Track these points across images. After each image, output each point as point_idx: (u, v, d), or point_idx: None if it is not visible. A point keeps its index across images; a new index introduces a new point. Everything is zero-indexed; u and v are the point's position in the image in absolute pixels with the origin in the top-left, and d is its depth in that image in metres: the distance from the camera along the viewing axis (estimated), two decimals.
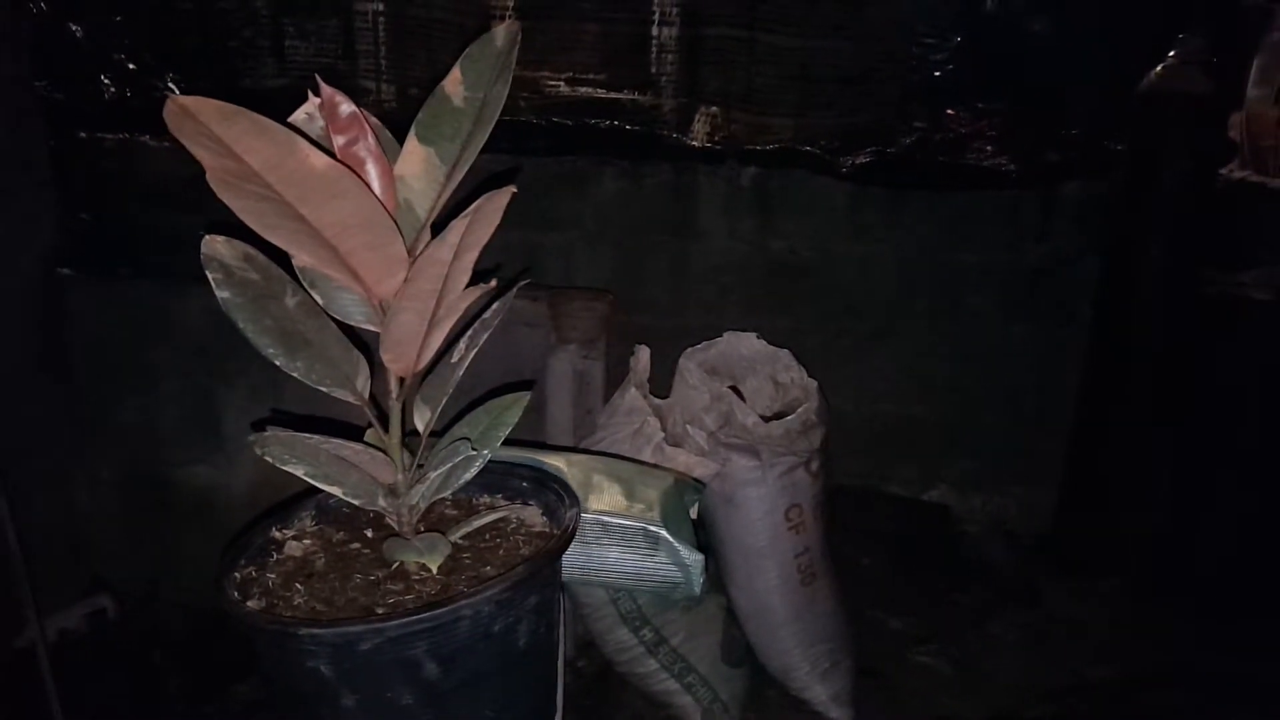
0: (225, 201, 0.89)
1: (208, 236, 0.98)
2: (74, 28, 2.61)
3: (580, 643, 2.11)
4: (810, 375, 2.13)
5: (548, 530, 1.10)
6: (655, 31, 2.45)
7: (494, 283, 1.00)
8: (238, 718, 2.08)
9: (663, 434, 1.98)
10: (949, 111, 2.37)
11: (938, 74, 2.33)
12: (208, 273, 0.98)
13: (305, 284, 1.00)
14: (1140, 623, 2.22)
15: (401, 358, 0.97)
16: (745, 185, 2.59)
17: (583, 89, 2.48)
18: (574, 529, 1.03)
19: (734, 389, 2.14)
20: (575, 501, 1.09)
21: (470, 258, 0.94)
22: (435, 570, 0.99)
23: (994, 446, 2.61)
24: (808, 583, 2.07)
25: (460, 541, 1.06)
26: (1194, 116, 2.05)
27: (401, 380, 1.02)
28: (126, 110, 2.62)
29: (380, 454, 1.00)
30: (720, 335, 2.23)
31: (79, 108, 2.53)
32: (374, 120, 0.96)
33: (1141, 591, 2.29)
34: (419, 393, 1.04)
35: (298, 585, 1.01)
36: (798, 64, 2.41)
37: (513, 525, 1.11)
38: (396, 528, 1.06)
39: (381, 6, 2.71)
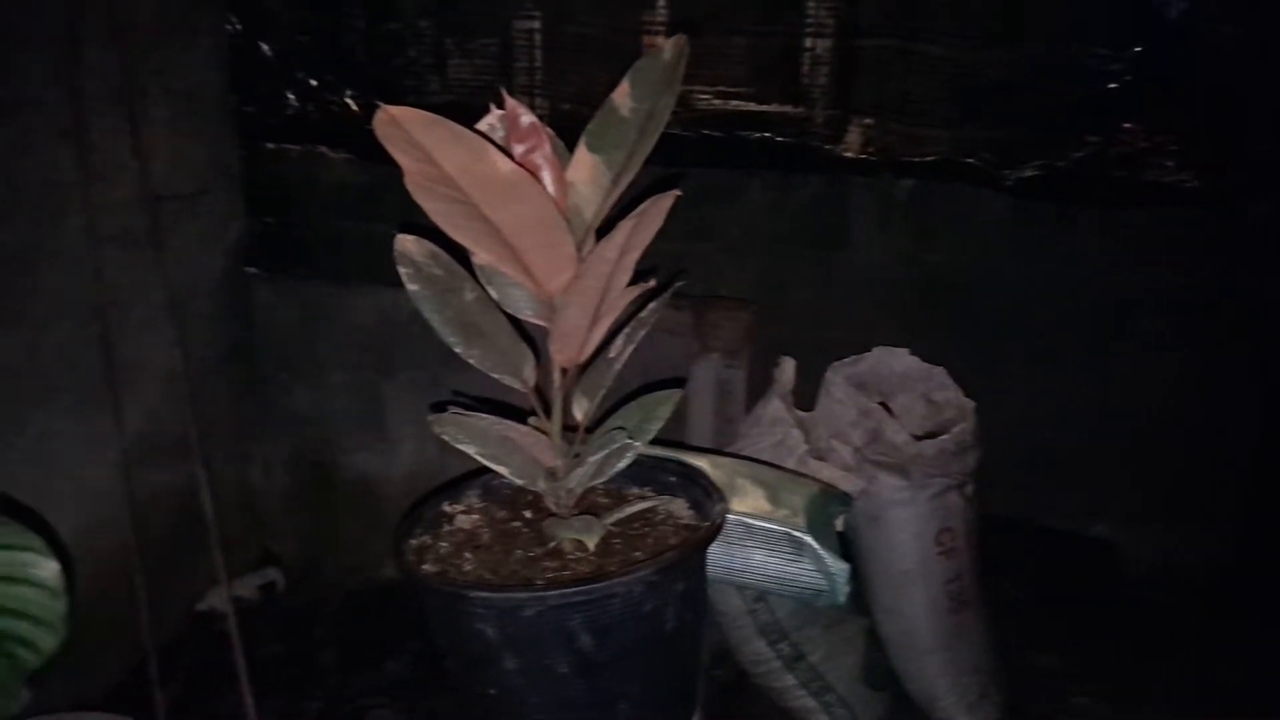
0: (420, 203, 1.02)
1: (399, 235, 1.11)
2: (264, 46, 2.91)
3: (716, 651, 2.18)
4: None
5: (694, 523, 1.18)
6: (808, 44, 2.51)
7: (652, 282, 1.09)
8: (387, 693, 2.25)
9: (806, 447, 2.03)
10: (1125, 125, 2.32)
11: (1113, 85, 2.29)
12: (399, 268, 1.12)
13: (482, 280, 1.12)
14: None
15: (566, 350, 1.08)
16: (900, 198, 2.61)
17: (733, 102, 2.57)
18: (721, 522, 1.11)
19: (883, 405, 2.16)
20: (722, 497, 1.17)
21: (633, 258, 1.04)
22: (591, 549, 1.09)
23: (1163, 480, 2.51)
24: (957, 610, 2.06)
25: (612, 527, 1.16)
26: None
27: (564, 371, 1.12)
28: (307, 123, 2.89)
29: (543, 438, 1.11)
30: (868, 350, 2.25)
31: (266, 120, 2.81)
32: (549, 130, 1.07)
33: None
34: (578, 385, 1.15)
35: (467, 555, 1.13)
36: (957, 74, 2.41)
37: (660, 516, 1.20)
38: (554, 509, 1.17)
39: (539, 25, 2.88)
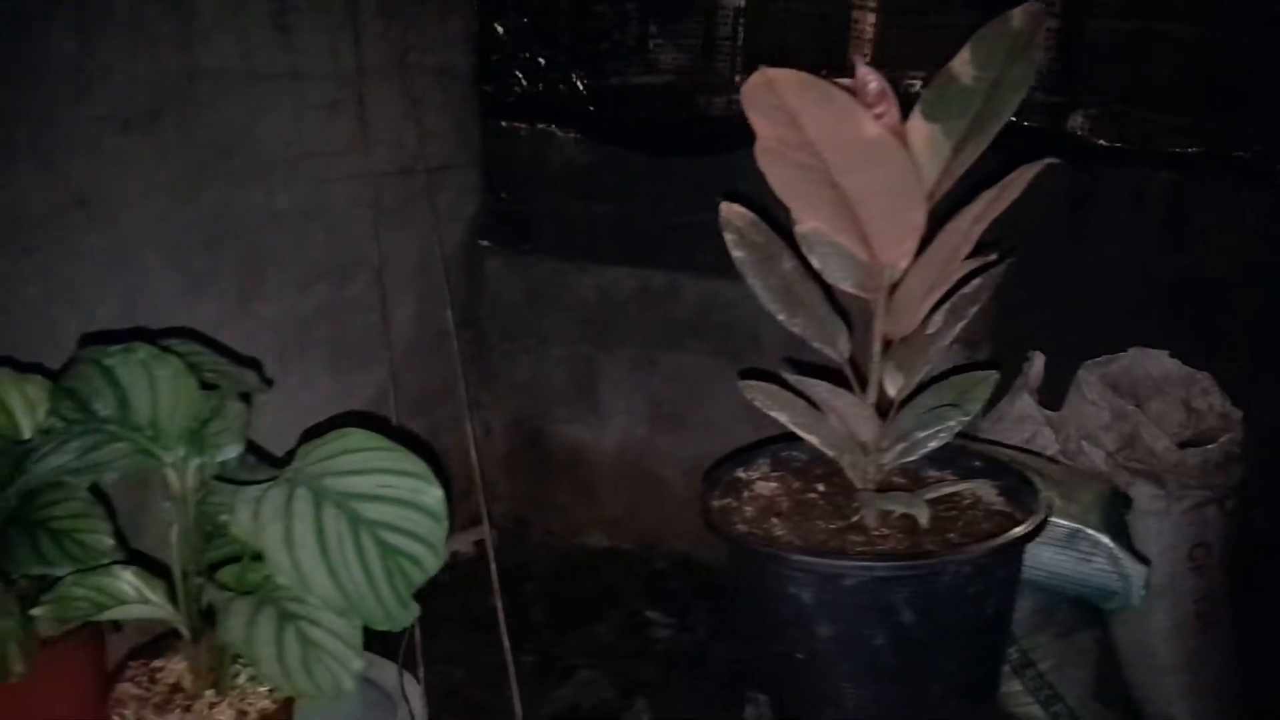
0: (763, 168, 1.02)
1: (724, 203, 1.13)
2: (498, 28, 3.01)
3: None
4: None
5: (1007, 510, 1.14)
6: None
7: (994, 256, 1.06)
8: (594, 655, 2.29)
9: (1058, 447, 1.94)
10: None
11: None
12: (725, 234, 1.13)
13: (804, 248, 1.12)
14: None
15: (900, 322, 1.07)
16: (1155, 191, 2.45)
17: None
18: (1049, 513, 1.07)
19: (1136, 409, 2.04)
20: (1041, 488, 1.12)
21: (980, 230, 1.01)
22: (924, 524, 1.07)
23: None
24: (1204, 631, 1.94)
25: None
26: None
27: (887, 344, 1.11)
28: (537, 103, 2.98)
29: (863, 409, 1.10)
30: (1117, 351, 2.13)
31: (500, 99, 2.91)
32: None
33: None
34: (892, 359, 1.13)
35: (773, 520, 1.13)
36: (1221, 60, 2.25)
37: (968, 500, 1.16)
38: (858, 483, 1.16)
39: (743, 3, 2.87)
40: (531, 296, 2.79)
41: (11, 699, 0.89)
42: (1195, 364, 2.10)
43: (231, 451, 0.94)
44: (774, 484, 1.22)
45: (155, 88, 1.78)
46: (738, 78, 3.01)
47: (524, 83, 3.11)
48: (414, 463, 0.93)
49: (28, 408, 0.95)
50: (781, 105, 0.93)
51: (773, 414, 1.12)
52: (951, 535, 1.09)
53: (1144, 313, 2.44)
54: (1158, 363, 2.10)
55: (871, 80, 1.02)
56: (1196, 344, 2.30)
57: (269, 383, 1.67)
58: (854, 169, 0.97)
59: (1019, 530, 1.03)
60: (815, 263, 1.12)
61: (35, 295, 1.64)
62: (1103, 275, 2.52)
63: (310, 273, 2.23)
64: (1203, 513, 1.92)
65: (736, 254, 1.11)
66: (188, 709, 0.91)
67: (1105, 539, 1.29)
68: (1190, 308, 2.42)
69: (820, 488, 1.22)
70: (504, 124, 2.90)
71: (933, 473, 1.23)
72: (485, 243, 2.80)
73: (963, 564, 0.99)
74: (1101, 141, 2.41)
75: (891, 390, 1.13)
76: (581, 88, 3.07)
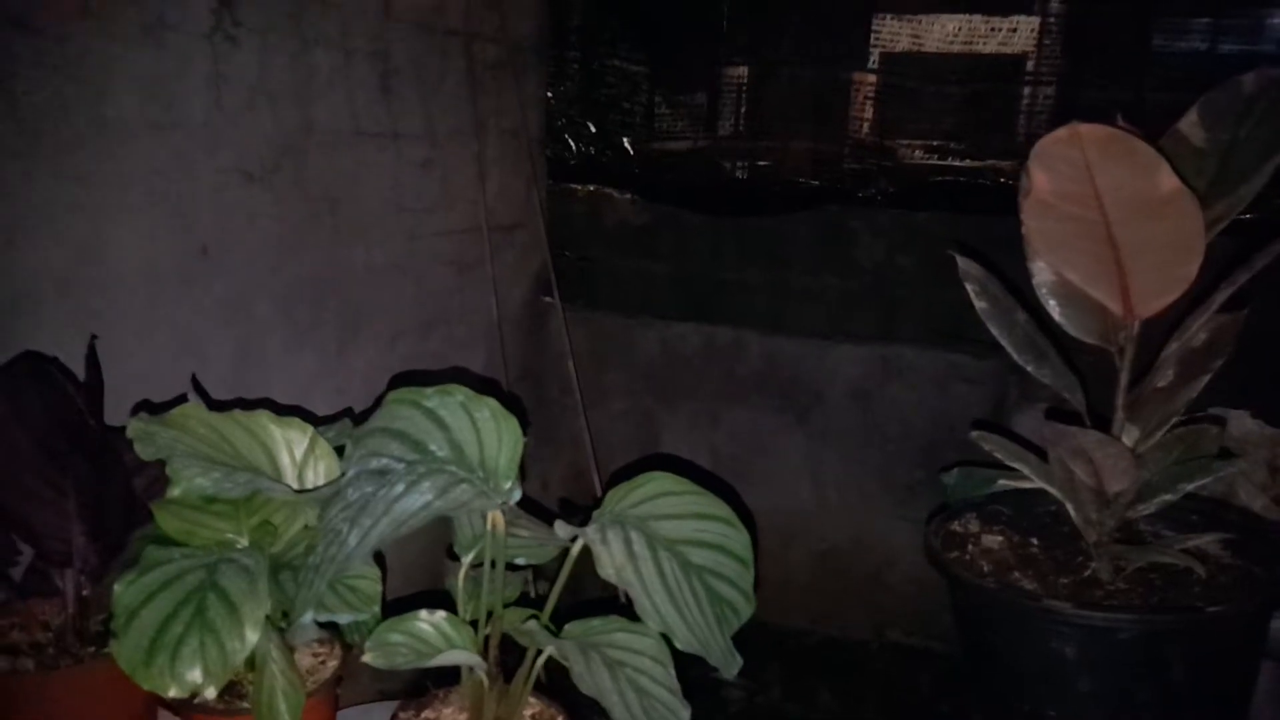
0: (1027, 222, 1.01)
1: (961, 258, 1.11)
2: (549, 95, 3.03)
3: None
4: None
5: (1239, 564, 1.12)
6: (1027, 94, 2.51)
7: (1243, 310, 1.06)
8: None
9: None
10: None
11: None
12: (967, 284, 1.11)
13: (1046, 300, 1.10)
14: None
15: (1149, 376, 1.05)
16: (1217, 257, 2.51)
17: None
18: None
19: None
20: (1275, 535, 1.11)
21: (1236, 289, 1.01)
22: (1202, 574, 1.04)
23: None
24: None
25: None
26: None
27: (1138, 396, 1.09)
28: (593, 166, 2.99)
29: (1122, 460, 1.07)
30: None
31: (562, 161, 2.92)
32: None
33: None
34: (1139, 411, 1.11)
35: (1014, 574, 1.09)
36: None
37: (1202, 554, 1.14)
38: (1091, 536, 1.13)
39: (745, 76, 2.95)
40: (593, 351, 2.74)
41: None
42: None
43: (519, 493, 0.89)
44: (998, 537, 1.18)
45: (275, 143, 1.75)
46: (769, 144, 3.10)
47: (576, 146, 3.12)
48: (721, 507, 0.89)
49: (288, 451, 0.88)
50: (1078, 159, 0.92)
51: (1011, 464, 1.09)
52: (1196, 590, 1.07)
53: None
54: (1239, 423, 2.11)
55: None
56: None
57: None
58: (1136, 222, 0.96)
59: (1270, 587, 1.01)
60: (1057, 314, 1.10)
61: (162, 342, 1.56)
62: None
63: (398, 326, 2.17)
64: None
65: (980, 305, 1.09)
66: None
67: None
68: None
69: (1036, 542, 1.19)
70: (562, 185, 2.89)
71: (1145, 527, 1.21)
72: (548, 299, 2.76)
73: (1237, 616, 0.97)
74: None
75: (1128, 443, 1.11)
76: (630, 151, 3.08)
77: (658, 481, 0.85)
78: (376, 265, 2.07)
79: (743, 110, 3.27)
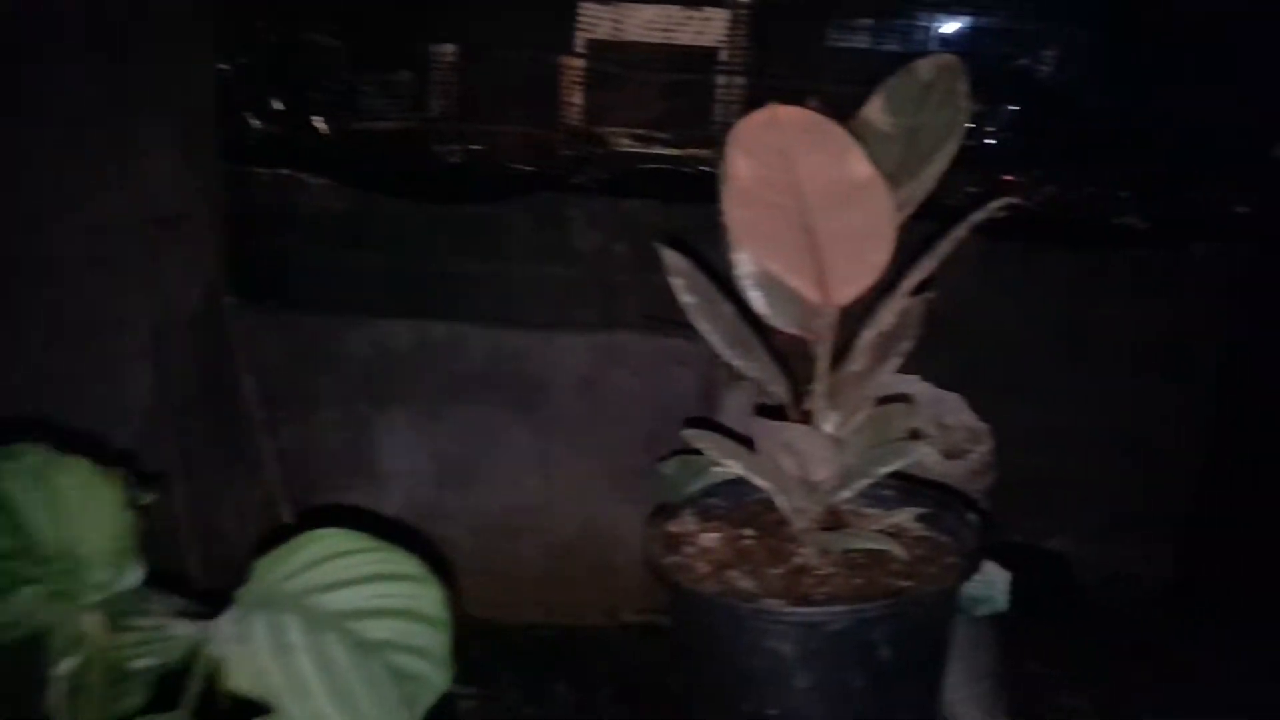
0: (729, 211, 0.96)
1: (665, 249, 1.04)
2: (225, 68, 2.68)
3: None
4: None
5: (931, 535, 1.16)
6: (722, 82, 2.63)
7: (933, 295, 1.07)
8: None
9: None
10: (1081, 170, 2.53)
11: (1068, 135, 2.50)
12: (672, 279, 1.04)
13: (748, 291, 1.07)
14: (1261, 672, 2.28)
15: (855, 362, 1.04)
16: None
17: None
18: (985, 531, 1.09)
19: None
20: (968, 508, 1.15)
21: (927, 275, 1.02)
22: (902, 555, 1.04)
23: (1118, 497, 2.70)
24: (974, 621, 2.12)
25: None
26: None
27: (835, 383, 1.08)
28: (284, 148, 2.69)
29: (824, 450, 1.06)
30: None
31: (242, 143, 2.60)
32: None
33: (1262, 642, 2.36)
34: (833, 399, 1.11)
35: (730, 572, 1.05)
36: None
37: (891, 531, 1.16)
38: (799, 524, 1.11)
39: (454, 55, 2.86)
40: (293, 356, 2.47)
41: None
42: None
43: (135, 577, 0.71)
44: (715, 534, 1.14)
45: None
46: (480, 127, 2.96)
47: (261, 126, 2.80)
48: (408, 562, 0.75)
49: None
50: (777, 144, 0.88)
51: (724, 461, 1.05)
52: (895, 566, 1.08)
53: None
54: (910, 386, 2.27)
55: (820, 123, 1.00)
56: (919, 371, 2.50)
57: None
58: (832, 209, 0.93)
59: (974, 553, 1.04)
60: (760, 305, 1.07)
61: None
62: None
63: (30, 340, 1.81)
64: None
65: (687, 299, 1.03)
66: None
67: None
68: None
69: (750, 533, 1.16)
70: (246, 170, 2.57)
71: (846, 507, 1.22)
72: (233, 299, 2.44)
73: (932, 595, 0.98)
74: None
75: (829, 429, 1.11)
76: (327, 131, 2.82)
77: (323, 542, 0.70)
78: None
79: (454, 92, 3.10)
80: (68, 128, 1.84)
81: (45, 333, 1.82)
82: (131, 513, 0.74)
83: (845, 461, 1.07)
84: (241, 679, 0.61)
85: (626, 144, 2.65)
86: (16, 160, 1.72)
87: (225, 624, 0.63)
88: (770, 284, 1.05)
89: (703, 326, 1.03)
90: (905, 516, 1.17)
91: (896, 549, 1.04)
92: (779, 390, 1.07)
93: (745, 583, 1.03)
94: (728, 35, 2.74)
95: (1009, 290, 2.66)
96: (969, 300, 2.68)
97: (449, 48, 2.98)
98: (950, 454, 2.21)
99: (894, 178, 1.04)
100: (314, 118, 2.88)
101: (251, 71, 2.83)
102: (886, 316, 1.04)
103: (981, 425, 2.26)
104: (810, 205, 0.92)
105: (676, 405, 2.31)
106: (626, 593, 2.43)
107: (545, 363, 2.48)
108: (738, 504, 1.19)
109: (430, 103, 3.10)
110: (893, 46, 2.74)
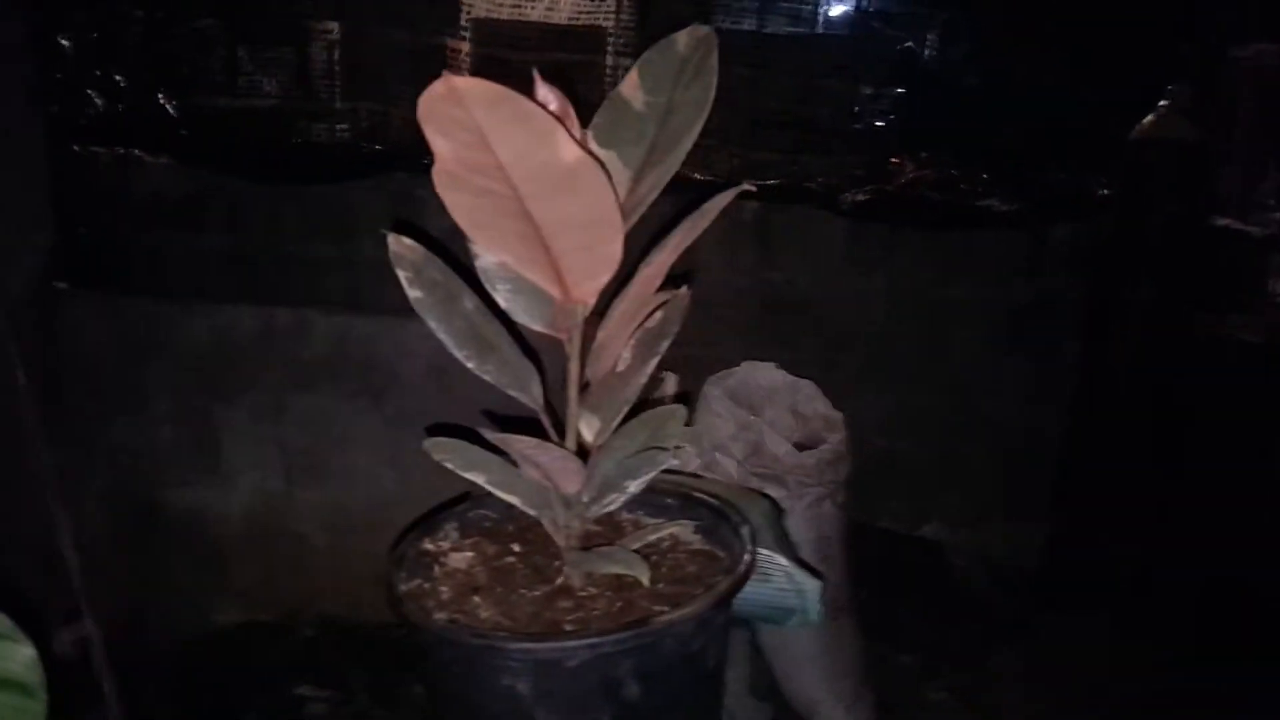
0: (441, 195, 0.83)
1: (391, 235, 0.91)
2: (63, 42, 2.46)
3: None
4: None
5: (708, 549, 1.05)
6: (610, 63, 2.52)
7: (686, 288, 0.96)
8: None
9: (698, 462, 1.95)
10: (943, 154, 2.47)
11: (930, 119, 2.43)
12: (398, 270, 0.91)
13: (487, 285, 0.94)
14: (1129, 658, 2.27)
15: (601, 363, 0.92)
16: (746, 219, 2.61)
17: None
18: (755, 550, 0.99)
19: None
20: (742, 520, 1.04)
21: (673, 260, 0.90)
22: (645, 582, 0.93)
23: (981, 480, 2.66)
24: (834, 617, 2.04)
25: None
26: (1182, 163, 2.16)
27: (585, 387, 0.96)
28: (119, 125, 2.48)
29: (568, 462, 0.94)
30: (728, 366, 2.20)
31: (73, 120, 2.38)
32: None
33: (1130, 626, 2.34)
34: (588, 404, 0.99)
35: (474, 599, 0.93)
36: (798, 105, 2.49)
37: (666, 543, 1.05)
38: (560, 540, 1.00)
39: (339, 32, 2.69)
40: (126, 345, 2.28)
41: None
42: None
43: None
44: (468, 553, 1.02)
45: None
46: (339, 105, 2.77)
47: (102, 103, 2.57)
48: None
49: None
50: (468, 122, 0.75)
51: (467, 475, 0.92)
52: (660, 585, 0.97)
53: (741, 329, 2.57)
54: (767, 374, 2.18)
55: (552, 99, 0.87)
56: (779, 353, 2.42)
57: None
58: (548, 196, 0.81)
59: (738, 573, 0.93)
60: (501, 301, 0.94)
61: None
62: (706, 296, 2.62)
63: None
64: (820, 508, 2.01)
65: (414, 294, 0.90)
66: None
67: (781, 558, 1.25)
68: (776, 321, 2.59)
69: (517, 548, 1.04)
70: (78, 149, 2.36)
71: (627, 516, 1.11)
72: (62, 284, 2.24)
73: (685, 622, 0.87)
74: (698, 176, 2.51)
75: (589, 436, 0.99)
76: (172, 110, 2.61)
77: None
78: None
79: (319, 70, 2.91)
80: None
81: None
82: None
83: (605, 471, 0.96)
84: None
85: None
86: None
87: None
88: (510, 277, 0.92)
89: (432, 324, 0.90)
90: (683, 528, 1.06)
91: (642, 573, 0.93)
92: (525, 395, 0.95)
93: (488, 611, 0.91)
94: (613, 15, 2.61)
95: (872, 272, 2.59)
96: (828, 284, 2.61)
97: (322, 24, 2.78)
98: (806, 443, 2.13)
99: (647, 161, 0.93)
100: (161, 95, 2.66)
101: (96, 46, 2.61)
102: (636, 310, 0.92)
103: (836, 414, 2.18)
104: (523, 192, 0.80)
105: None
106: None
107: (396, 350, 2.33)
108: (511, 515, 1.07)
109: (295, 81, 2.91)
110: (780, 28, 2.65)
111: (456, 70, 2.62)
